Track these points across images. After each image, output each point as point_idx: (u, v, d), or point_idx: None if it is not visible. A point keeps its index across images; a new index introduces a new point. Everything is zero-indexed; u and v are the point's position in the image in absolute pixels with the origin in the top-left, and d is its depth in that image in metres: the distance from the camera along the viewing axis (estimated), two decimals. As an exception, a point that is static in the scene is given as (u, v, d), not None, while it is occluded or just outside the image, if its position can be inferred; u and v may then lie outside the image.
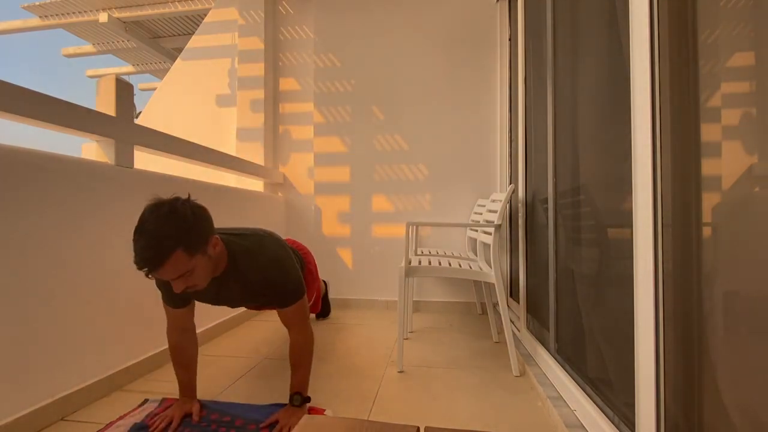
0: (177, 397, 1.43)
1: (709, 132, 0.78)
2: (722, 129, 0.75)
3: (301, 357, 1.36)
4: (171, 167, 2.41)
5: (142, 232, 1.05)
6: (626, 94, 0.97)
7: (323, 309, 2.60)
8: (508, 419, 1.34)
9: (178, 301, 1.33)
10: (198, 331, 2.04)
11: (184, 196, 1.16)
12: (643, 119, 0.89)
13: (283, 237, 1.86)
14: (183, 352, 1.39)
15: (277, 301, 1.35)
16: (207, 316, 2.17)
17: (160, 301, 1.84)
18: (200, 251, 1.11)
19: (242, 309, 2.49)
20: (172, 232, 1.05)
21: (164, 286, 1.30)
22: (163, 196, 1.14)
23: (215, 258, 1.20)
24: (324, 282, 2.80)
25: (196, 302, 1.40)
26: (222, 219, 2.32)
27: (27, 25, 4.81)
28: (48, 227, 1.31)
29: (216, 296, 1.34)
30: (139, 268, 1.03)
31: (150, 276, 1.06)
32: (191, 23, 4.74)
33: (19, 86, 1.26)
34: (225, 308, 2.34)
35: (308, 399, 1.36)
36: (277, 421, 1.28)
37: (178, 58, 3.52)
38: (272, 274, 1.30)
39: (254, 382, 1.65)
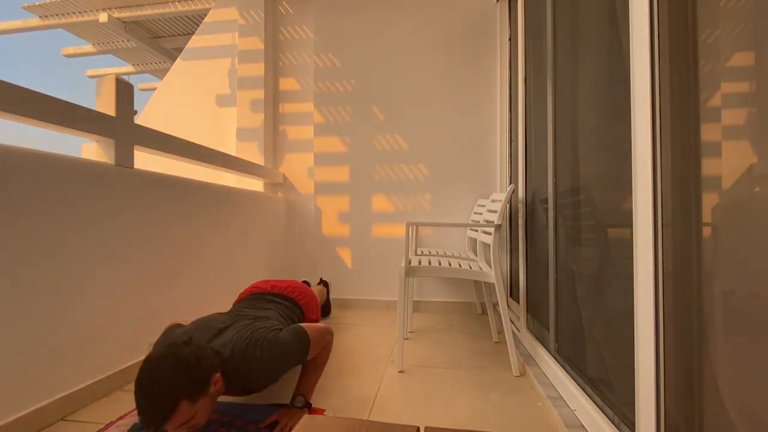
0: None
1: (709, 132, 0.78)
2: (722, 129, 0.75)
3: (316, 365, 1.41)
4: (171, 167, 2.41)
5: (144, 391, 1.02)
6: (626, 94, 0.97)
7: (324, 309, 2.60)
8: (508, 419, 1.34)
9: None
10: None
11: (185, 338, 1.14)
12: (643, 119, 0.89)
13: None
14: None
15: (295, 365, 1.36)
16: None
17: (160, 300, 1.84)
18: (203, 395, 1.09)
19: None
20: (176, 386, 1.03)
21: None
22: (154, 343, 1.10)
23: (216, 393, 1.17)
24: (325, 282, 2.80)
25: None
26: (222, 219, 2.32)
27: (27, 25, 4.80)
28: (48, 227, 1.31)
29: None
30: (145, 428, 1.01)
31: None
32: (191, 23, 4.74)
33: (19, 86, 1.26)
34: (224, 308, 2.34)
35: (310, 404, 1.35)
36: (277, 422, 1.27)
37: (178, 58, 3.52)
38: (274, 368, 1.28)
39: (254, 382, 1.65)
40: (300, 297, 1.84)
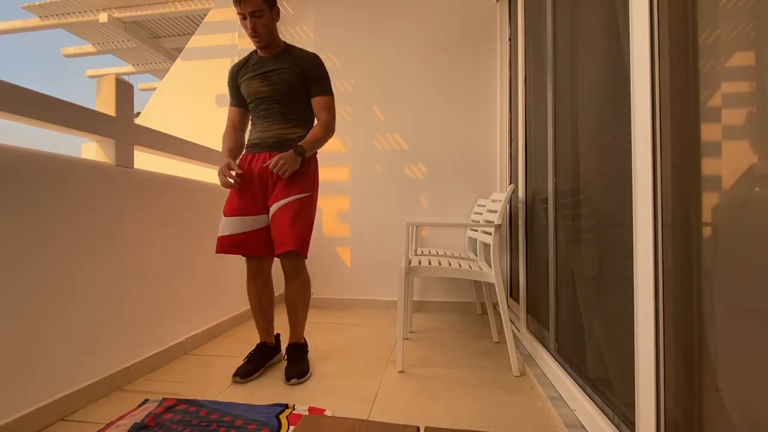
0: (176, 397, 1.44)
1: (709, 132, 0.78)
2: (722, 129, 0.75)
3: (318, 130, 1.73)
4: (171, 167, 2.40)
5: None
6: (626, 94, 0.97)
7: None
8: (508, 419, 1.34)
9: (233, 99, 1.84)
10: (198, 331, 2.06)
11: None
12: (643, 119, 0.89)
13: None
14: (228, 138, 1.81)
15: (317, 81, 1.75)
16: (207, 315, 2.17)
17: (160, 301, 1.84)
18: (269, 5, 1.65)
19: (243, 309, 2.49)
20: None
21: (229, 87, 1.84)
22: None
23: (275, 29, 1.73)
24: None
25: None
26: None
27: (27, 25, 4.80)
28: (48, 227, 1.31)
29: (269, 75, 1.72)
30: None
31: (239, 7, 1.61)
32: (191, 23, 4.74)
33: (19, 86, 1.26)
34: (224, 309, 2.34)
35: (304, 155, 1.65)
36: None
37: (178, 58, 3.52)
38: (317, 60, 1.77)
39: (254, 382, 1.65)
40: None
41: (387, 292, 2.95)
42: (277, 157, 1.59)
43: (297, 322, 1.77)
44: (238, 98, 1.82)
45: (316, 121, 1.79)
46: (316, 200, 1.78)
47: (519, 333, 2.10)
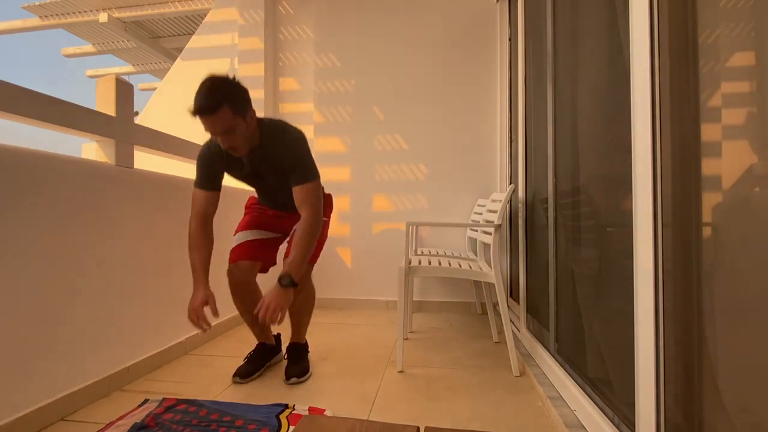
0: (176, 397, 1.44)
1: (709, 132, 0.78)
2: (722, 129, 0.75)
3: (302, 236, 1.50)
4: (171, 167, 2.40)
5: (202, 87, 1.36)
6: (626, 94, 0.97)
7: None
8: (508, 419, 1.34)
9: (208, 183, 1.56)
10: (198, 330, 2.05)
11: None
12: (643, 119, 0.89)
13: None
14: (199, 239, 1.55)
15: (293, 170, 1.53)
16: (207, 315, 2.17)
17: (160, 300, 1.84)
18: (241, 114, 1.40)
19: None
20: (224, 90, 1.37)
21: (202, 166, 1.56)
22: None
23: (251, 129, 1.47)
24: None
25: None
26: (222, 219, 2.32)
27: (27, 25, 4.81)
28: (48, 227, 1.31)
29: (262, 174, 1.60)
30: (195, 113, 1.35)
31: (203, 119, 1.36)
32: (191, 23, 4.74)
33: (19, 86, 1.26)
34: (224, 309, 2.33)
35: (295, 284, 1.44)
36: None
37: (178, 58, 3.51)
38: (289, 145, 1.53)
39: (254, 382, 1.65)
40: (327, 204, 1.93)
41: (387, 292, 2.95)
42: (264, 307, 1.38)
43: (300, 326, 1.80)
44: (213, 182, 1.57)
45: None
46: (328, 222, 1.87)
47: (519, 333, 2.10)
